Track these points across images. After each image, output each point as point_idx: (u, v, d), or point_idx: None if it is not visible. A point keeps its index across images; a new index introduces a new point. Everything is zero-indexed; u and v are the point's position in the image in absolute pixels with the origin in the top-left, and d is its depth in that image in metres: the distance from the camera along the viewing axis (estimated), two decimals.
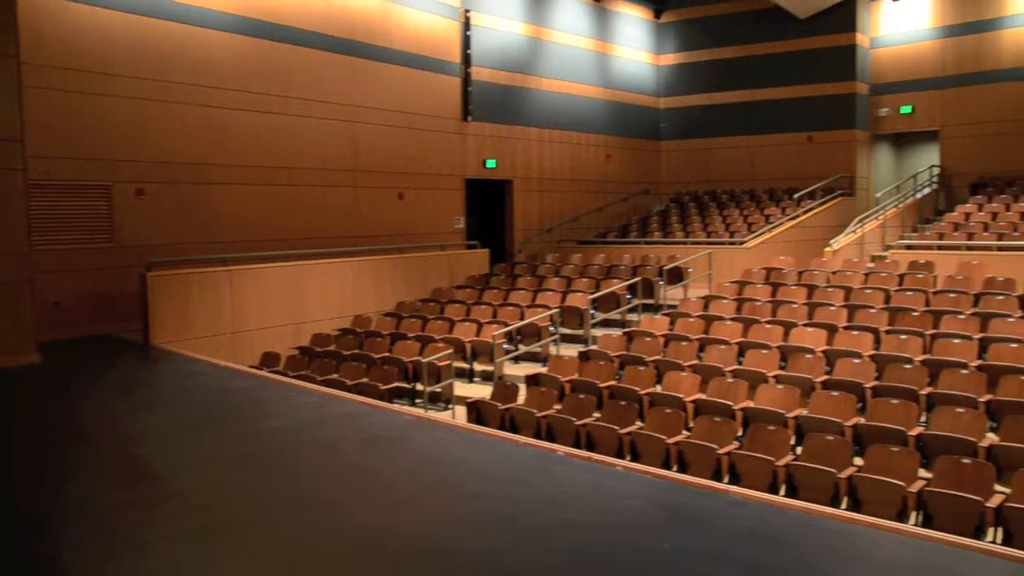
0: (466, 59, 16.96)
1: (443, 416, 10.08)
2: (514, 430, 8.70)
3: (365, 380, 10.52)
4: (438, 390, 10.67)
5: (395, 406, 8.76)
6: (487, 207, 18.07)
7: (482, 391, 10.41)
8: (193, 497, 5.08)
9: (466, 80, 16.97)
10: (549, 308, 12.52)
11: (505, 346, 11.64)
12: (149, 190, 11.91)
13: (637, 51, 21.78)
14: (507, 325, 11.96)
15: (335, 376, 10.88)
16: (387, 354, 11.60)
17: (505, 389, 9.57)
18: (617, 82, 21.09)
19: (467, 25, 16.94)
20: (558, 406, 9.02)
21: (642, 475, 5.23)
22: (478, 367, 11.67)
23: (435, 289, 15.07)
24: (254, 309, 12.39)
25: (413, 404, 10.79)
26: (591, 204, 19.99)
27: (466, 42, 16.95)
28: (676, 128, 22.28)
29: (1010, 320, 9.98)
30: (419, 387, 10.71)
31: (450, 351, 10.90)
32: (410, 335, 12.27)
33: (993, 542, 6.16)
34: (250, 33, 13.12)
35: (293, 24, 13.73)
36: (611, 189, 20.70)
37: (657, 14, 22.31)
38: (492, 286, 14.83)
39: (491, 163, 17.52)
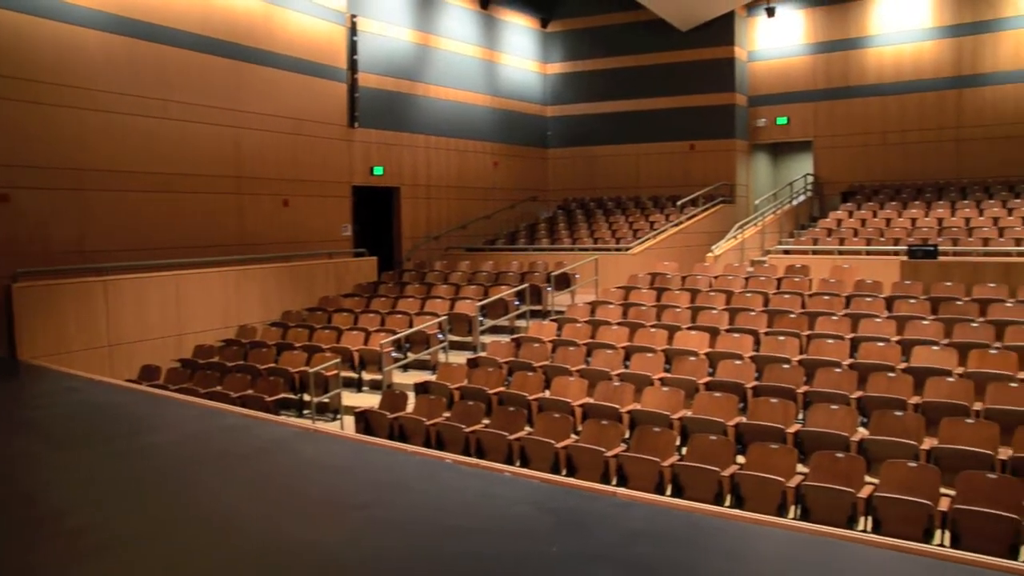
0: (353, 65, 16.77)
1: (331, 427, 9.93)
2: (403, 439, 8.64)
3: (250, 392, 10.27)
4: (326, 400, 10.51)
5: (281, 418, 8.58)
6: (375, 214, 17.89)
7: (371, 400, 10.30)
8: (72, 518, 4.85)
9: (353, 86, 16.79)
10: (438, 315, 12.49)
11: (394, 354, 11.55)
12: (15, 196, 11.28)
13: (524, 60, 22.01)
14: (395, 333, 11.87)
15: (219, 389, 10.58)
16: (273, 365, 11.35)
17: (394, 398, 9.49)
18: (505, 90, 21.25)
19: (354, 30, 16.77)
20: (447, 414, 9.01)
21: (530, 480, 5.28)
22: (367, 376, 11.54)
23: (322, 298, 14.84)
24: (132, 321, 11.92)
25: (301, 415, 10.60)
26: (479, 211, 20.06)
27: (353, 47, 16.77)
28: (563, 136, 22.61)
29: (877, 320, 10.50)
30: (306, 398, 10.52)
31: (337, 360, 10.75)
32: (297, 345, 12.05)
33: (864, 531, 6.49)
34: (123, 32, 12.59)
35: (170, 24, 13.26)
36: (499, 196, 20.83)
37: (544, 23, 22.60)
38: (380, 294, 14.70)
39: (378, 170, 17.38)
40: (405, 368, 11.89)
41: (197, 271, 12.99)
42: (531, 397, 8.96)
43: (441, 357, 11.96)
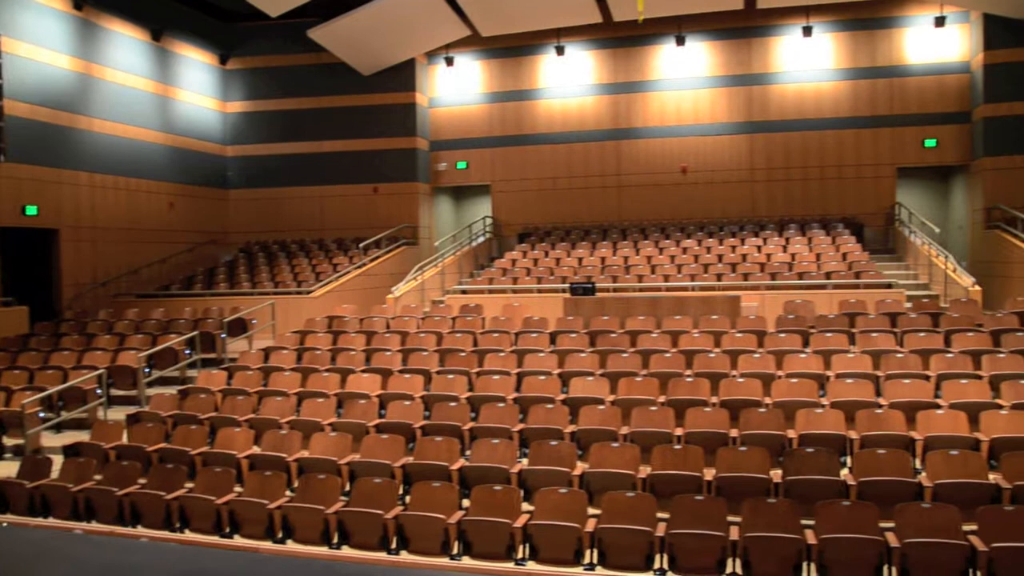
0: None
1: None
2: (46, 510, 7.81)
3: None
4: None
5: None
6: (29, 259, 16.18)
7: (12, 469, 9.21)
8: None
9: None
10: (97, 368, 11.49)
11: (42, 415, 10.43)
12: None
13: (202, 96, 21.10)
14: (45, 390, 10.75)
15: None
16: None
17: (36, 464, 8.55)
18: (181, 127, 20.21)
19: None
20: (99, 476, 8.27)
21: (168, 543, 4.94)
22: (9, 441, 10.32)
23: None
24: None
25: None
26: (153, 255, 18.81)
27: None
28: (245, 177, 21.88)
29: (541, 355, 11.11)
30: None
31: None
32: None
33: (524, 559, 6.76)
34: None
35: None
36: (176, 239, 19.68)
37: (223, 60, 21.84)
38: (31, 347, 13.23)
39: (31, 210, 15.75)
40: (59, 429, 10.81)
41: None
42: (193, 452, 8.46)
43: (101, 414, 11.00)
